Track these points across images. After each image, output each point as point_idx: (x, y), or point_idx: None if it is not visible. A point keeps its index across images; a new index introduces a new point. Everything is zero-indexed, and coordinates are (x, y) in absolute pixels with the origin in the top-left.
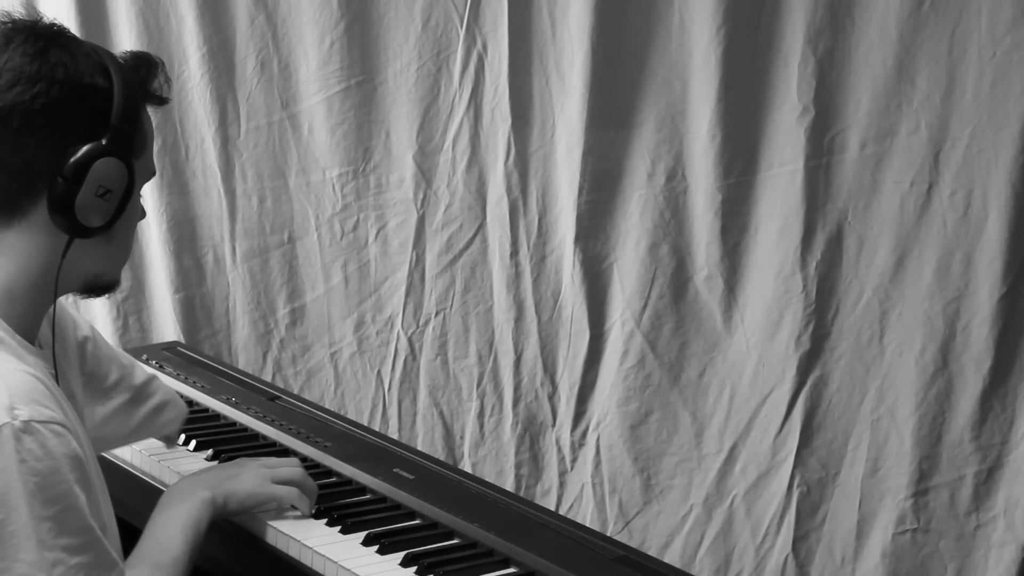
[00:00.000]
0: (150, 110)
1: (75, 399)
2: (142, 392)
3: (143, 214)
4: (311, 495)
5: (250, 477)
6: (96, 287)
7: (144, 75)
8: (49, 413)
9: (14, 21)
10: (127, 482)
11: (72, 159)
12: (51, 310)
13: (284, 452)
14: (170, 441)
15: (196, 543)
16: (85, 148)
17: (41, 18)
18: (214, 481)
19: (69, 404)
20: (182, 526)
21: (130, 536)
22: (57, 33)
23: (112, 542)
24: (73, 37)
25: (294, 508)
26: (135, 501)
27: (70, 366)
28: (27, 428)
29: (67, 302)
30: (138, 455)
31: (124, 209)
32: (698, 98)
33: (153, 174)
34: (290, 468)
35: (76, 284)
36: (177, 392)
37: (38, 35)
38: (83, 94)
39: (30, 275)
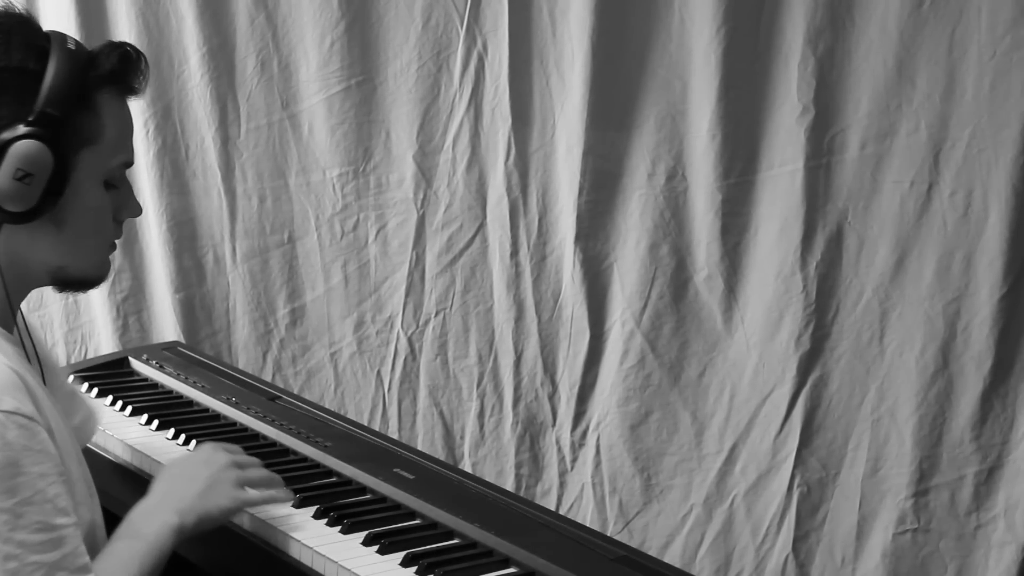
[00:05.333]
0: (130, 101)
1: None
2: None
3: (138, 210)
4: (279, 484)
5: (222, 492)
6: (66, 281)
7: (110, 64)
8: (13, 404)
9: None
10: (119, 476)
11: None
12: (28, 297)
13: (284, 452)
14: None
15: (157, 570)
16: (2, 131)
17: (7, 7)
18: (185, 503)
19: (48, 395)
20: (143, 555)
21: None
22: (6, 19)
23: (97, 540)
24: (25, 23)
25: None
26: (127, 496)
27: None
28: None
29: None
30: (130, 450)
31: (58, 195)
32: (698, 98)
33: (127, 163)
34: (257, 470)
35: (41, 277)
36: (177, 392)
37: None
38: (7, 78)
39: None
